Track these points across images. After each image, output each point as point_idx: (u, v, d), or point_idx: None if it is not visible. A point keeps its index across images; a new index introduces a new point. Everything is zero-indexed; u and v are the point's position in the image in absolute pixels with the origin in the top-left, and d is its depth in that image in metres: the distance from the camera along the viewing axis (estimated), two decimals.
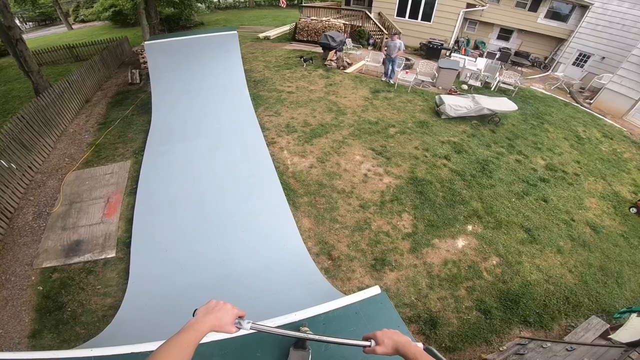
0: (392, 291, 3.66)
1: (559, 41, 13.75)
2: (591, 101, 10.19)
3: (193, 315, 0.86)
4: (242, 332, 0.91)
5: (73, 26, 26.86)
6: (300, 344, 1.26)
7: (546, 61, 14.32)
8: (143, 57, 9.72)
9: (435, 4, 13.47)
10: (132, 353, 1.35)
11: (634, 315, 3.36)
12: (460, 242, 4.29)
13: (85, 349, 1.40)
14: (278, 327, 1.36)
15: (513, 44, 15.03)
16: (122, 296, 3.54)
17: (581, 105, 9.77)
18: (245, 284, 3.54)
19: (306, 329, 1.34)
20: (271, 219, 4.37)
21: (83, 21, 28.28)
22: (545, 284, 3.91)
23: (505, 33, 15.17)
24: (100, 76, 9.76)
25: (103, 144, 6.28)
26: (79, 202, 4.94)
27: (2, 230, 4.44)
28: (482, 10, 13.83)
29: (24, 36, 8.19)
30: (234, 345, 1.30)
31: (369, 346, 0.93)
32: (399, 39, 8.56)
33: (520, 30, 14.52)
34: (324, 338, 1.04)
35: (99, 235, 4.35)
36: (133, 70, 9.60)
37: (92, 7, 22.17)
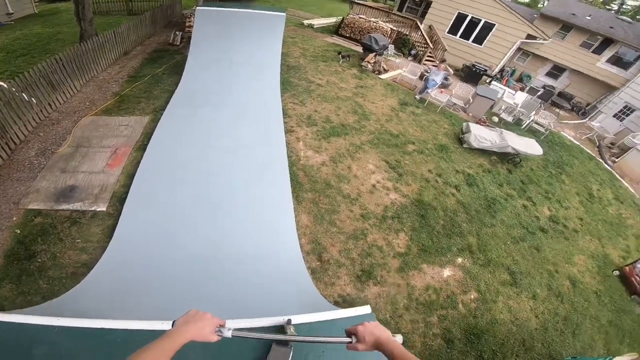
0: (370, 304, 3.73)
1: (610, 89, 13.16)
2: (616, 159, 9.85)
3: (172, 326, 0.85)
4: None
5: None
6: (282, 341, 1.29)
7: (587, 108, 13.75)
8: (189, 22, 9.92)
9: (493, 29, 13.01)
10: (101, 329, 1.31)
11: None
12: (447, 272, 4.40)
13: (52, 317, 1.36)
14: (260, 328, 1.38)
15: (560, 83, 14.45)
16: (99, 255, 3.38)
17: (605, 162, 9.48)
18: (232, 269, 3.48)
19: (291, 326, 1.37)
20: (272, 206, 4.39)
21: None
22: (510, 324, 4.06)
23: (556, 71, 14.57)
24: (145, 32, 9.99)
25: (127, 96, 6.45)
26: (87, 147, 4.87)
27: (1, 161, 4.35)
28: (542, 43, 13.29)
29: None
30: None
31: (351, 342, 0.95)
32: (444, 69, 8.70)
33: (573, 71, 13.92)
34: (307, 338, 1.06)
35: (96, 185, 4.21)
36: (176, 32, 9.85)
37: None
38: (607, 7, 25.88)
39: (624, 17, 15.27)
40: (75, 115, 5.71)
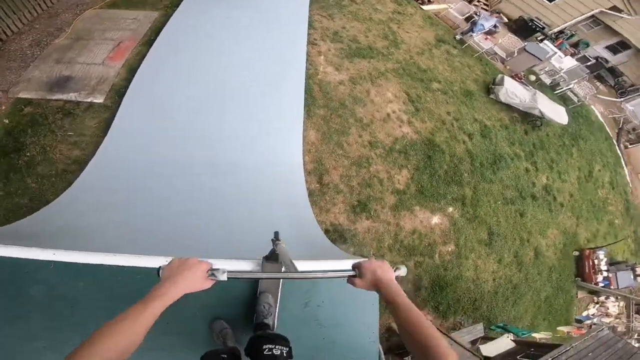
0: (358, 239, 3.83)
1: None
2: (630, 145, 9.61)
3: (158, 274, 0.76)
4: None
5: None
6: (273, 257, 1.21)
7: (629, 88, 12.74)
8: None
9: None
10: (100, 264, 1.21)
11: (506, 334, 3.93)
12: (435, 219, 4.48)
13: (47, 250, 1.23)
14: (253, 263, 1.27)
15: (617, 59, 12.96)
16: (93, 151, 3.12)
17: (617, 146, 9.32)
18: (230, 176, 3.35)
19: (279, 242, 1.23)
20: (281, 115, 4.20)
21: None
22: (470, 282, 4.32)
23: (620, 46, 12.92)
24: None
25: None
26: (87, 39, 4.45)
27: None
28: (624, 18, 11.47)
29: None
30: None
31: (354, 276, 0.87)
32: (497, 17, 7.60)
33: (639, 51, 12.40)
34: (307, 275, 0.97)
35: (94, 77, 3.89)
36: None
37: None
38: None
39: None
40: (78, 8, 5.05)
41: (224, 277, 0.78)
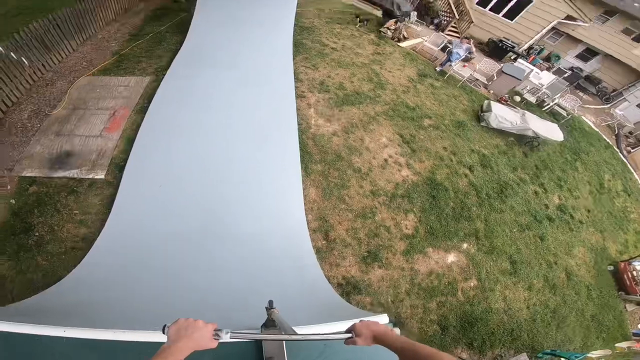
0: (373, 288, 3.76)
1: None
2: (632, 150, 9.57)
3: (163, 332, 0.83)
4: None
5: None
6: (270, 323, 1.25)
7: (612, 94, 13.09)
8: None
9: (530, 5, 11.90)
10: (112, 340, 1.26)
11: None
12: (451, 258, 4.36)
13: (57, 327, 1.30)
14: (259, 332, 1.29)
15: (590, 66, 13.55)
16: (99, 228, 3.20)
17: (620, 152, 9.23)
18: (233, 245, 3.33)
19: (274, 310, 1.31)
20: (279, 177, 4.17)
21: None
22: (502, 314, 4.10)
23: (588, 53, 13.60)
24: None
25: (127, 55, 6.01)
26: (83, 109, 4.61)
27: None
28: (581, 25, 12.23)
29: None
30: None
31: (351, 337, 0.95)
32: (468, 42, 8.09)
33: (607, 56, 13.01)
34: (307, 337, 1.05)
35: (93, 150, 4.02)
36: None
37: None
38: None
39: None
40: (71, 75, 5.33)
41: (227, 337, 0.88)
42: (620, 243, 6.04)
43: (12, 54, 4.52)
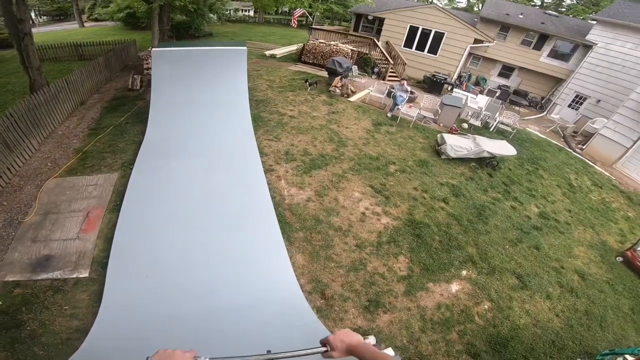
0: (385, 334, 3.61)
1: (558, 81, 14.28)
2: (583, 147, 10.45)
3: None
4: None
5: (85, 24, 27.33)
6: None
7: (543, 102, 14.81)
8: (147, 63, 9.61)
9: (444, 38, 14.00)
10: None
11: (620, 359, 3.53)
12: (454, 287, 4.31)
13: None
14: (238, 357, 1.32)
15: (513, 82, 15.57)
16: (91, 320, 3.28)
17: (574, 151, 10.05)
18: (230, 320, 3.34)
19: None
20: (263, 252, 4.21)
21: (96, 20, 28.89)
22: (533, 328, 3.99)
23: (506, 70, 15.73)
24: (101, 78, 9.62)
25: (91, 152, 6.07)
26: (56, 213, 4.57)
27: None
28: (488, 46, 14.38)
29: (35, 30, 8.11)
30: None
31: (326, 351, 0.98)
32: (404, 83, 9.14)
33: (521, 69, 15.08)
34: (280, 354, 1.05)
35: (73, 252, 4.01)
36: (135, 76, 9.53)
37: (109, 6, 22.59)
38: (532, 3, 27.67)
39: (551, 12, 16.89)
40: (38, 178, 5.29)
41: None
42: (616, 233, 6.21)
43: None
